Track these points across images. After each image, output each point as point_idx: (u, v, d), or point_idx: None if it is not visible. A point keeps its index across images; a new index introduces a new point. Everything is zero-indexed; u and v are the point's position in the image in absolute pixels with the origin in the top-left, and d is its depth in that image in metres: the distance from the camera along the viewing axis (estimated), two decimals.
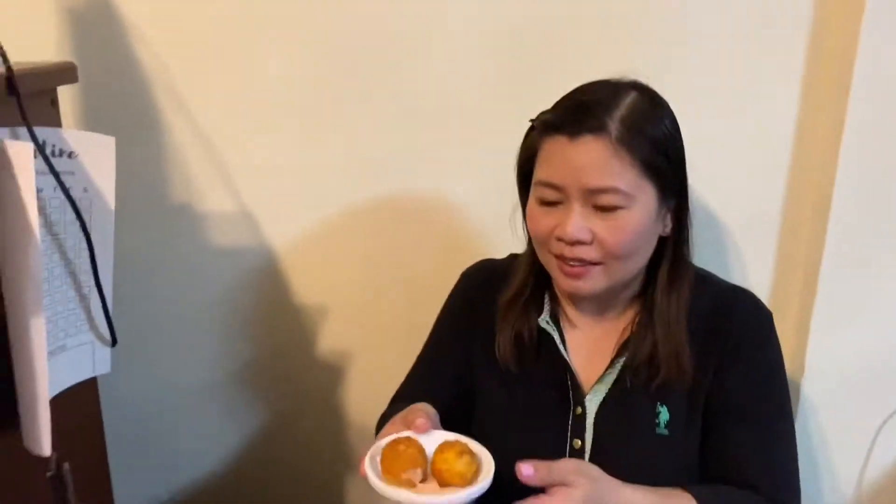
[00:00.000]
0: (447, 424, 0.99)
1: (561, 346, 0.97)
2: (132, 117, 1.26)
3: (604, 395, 0.95)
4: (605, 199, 0.85)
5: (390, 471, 0.76)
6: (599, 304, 0.97)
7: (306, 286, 1.37)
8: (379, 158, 1.28)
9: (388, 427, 0.87)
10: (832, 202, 1.17)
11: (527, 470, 0.79)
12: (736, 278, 1.01)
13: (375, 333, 1.38)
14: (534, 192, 0.91)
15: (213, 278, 1.37)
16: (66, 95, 1.05)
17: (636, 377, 0.94)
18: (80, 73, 0.98)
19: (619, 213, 0.86)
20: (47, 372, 0.80)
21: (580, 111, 0.87)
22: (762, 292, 1.28)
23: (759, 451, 0.92)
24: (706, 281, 0.99)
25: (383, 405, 1.11)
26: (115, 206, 0.91)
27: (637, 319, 0.95)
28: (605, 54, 1.17)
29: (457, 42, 1.20)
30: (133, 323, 1.36)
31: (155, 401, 1.43)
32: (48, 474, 0.74)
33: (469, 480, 0.76)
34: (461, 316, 1.07)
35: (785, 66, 1.17)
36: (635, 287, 0.97)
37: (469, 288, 1.08)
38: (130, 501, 1.13)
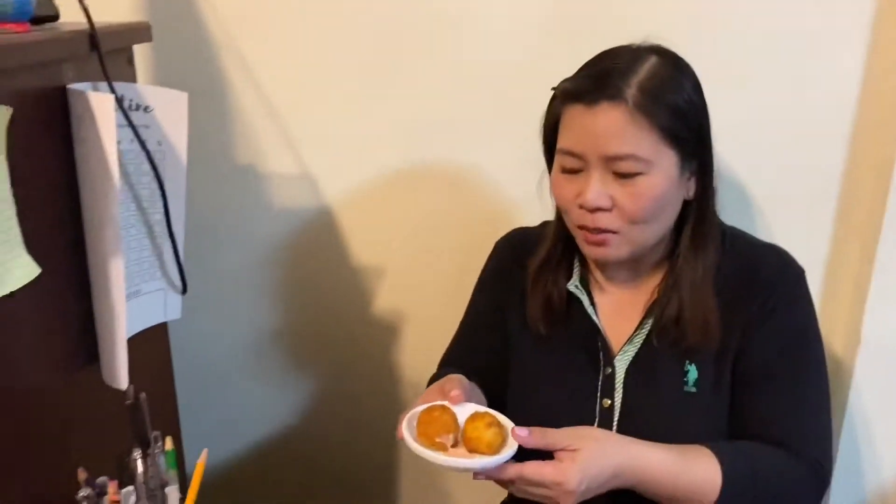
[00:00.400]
0: (487, 388, 1.03)
1: (590, 309, 0.98)
2: (199, 79, 1.31)
3: (633, 355, 0.96)
4: (624, 166, 0.86)
5: (425, 434, 0.83)
6: (627, 267, 0.98)
7: (361, 246, 1.41)
8: (434, 124, 1.30)
9: (425, 394, 0.91)
10: (895, 168, 1.15)
11: (521, 431, 0.83)
12: (790, 247, 1.00)
13: (428, 294, 1.41)
14: (556, 161, 0.92)
15: (272, 237, 1.41)
16: (139, 55, 1.09)
17: (664, 337, 0.94)
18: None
19: (639, 179, 0.86)
20: (125, 311, 0.85)
21: (598, 78, 0.87)
22: (817, 261, 1.27)
23: (787, 409, 0.92)
24: (737, 239, 0.98)
25: (435, 363, 1.14)
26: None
27: (664, 281, 0.96)
28: (659, 17, 1.17)
29: (513, 7, 1.21)
30: (198, 276, 1.42)
31: (217, 349, 1.49)
32: (127, 402, 0.79)
33: (495, 450, 0.82)
34: (495, 284, 1.09)
35: (850, 29, 1.15)
36: (662, 250, 0.96)
37: (502, 256, 1.10)
38: (195, 434, 1.18)
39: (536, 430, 0.83)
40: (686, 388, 0.94)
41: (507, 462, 0.81)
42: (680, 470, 0.87)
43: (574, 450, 0.82)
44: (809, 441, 0.92)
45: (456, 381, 0.91)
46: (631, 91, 0.84)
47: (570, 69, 0.94)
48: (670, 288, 0.94)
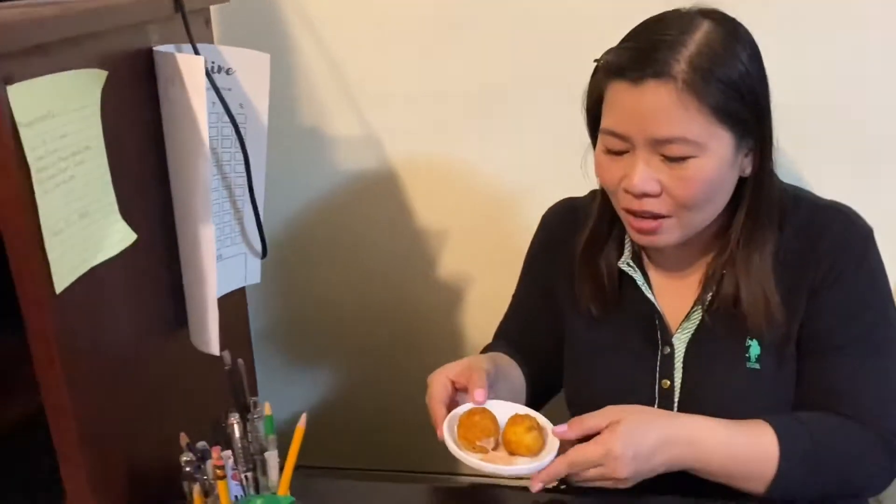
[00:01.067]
0: (539, 365, 1.02)
1: (645, 288, 0.93)
2: (263, 39, 1.29)
3: (692, 332, 0.92)
4: (674, 150, 0.79)
5: (466, 437, 0.83)
6: (681, 243, 0.90)
7: (425, 207, 1.39)
8: (499, 83, 1.28)
9: (446, 368, 0.89)
10: None
11: (560, 428, 0.82)
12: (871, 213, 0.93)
13: (493, 256, 1.39)
14: (600, 140, 0.86)
15: (336, 200, 1.41)
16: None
17: (722, 315, 0.89)
18: None
19: (690, 162, 0.80)
20: (216, 275, 0.85)
21: (644, 52, 0.79)
22: None
23: (856, 378, 0.86)
24: (800, 202, 0.91)
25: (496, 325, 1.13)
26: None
27: (718, 258, 0.90)
28: None
29: None
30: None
31: (283, 312, 1.50)
32: (226, 367, 0.80)
33: (535, 452, 0.82)
34: (542, 261, 1.05)
35: None
36: (717, 224, 0.90)
37: (548, 231, 1.05)
38: (273, 396, 1.20)
39: (573, 420, 0.82)
40: (748, 365, 0.89)
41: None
42: (734, 440, 0.83)
43: (616, 421, 0.81)
44: (881, 411, 0.87)
45: (481, 377, 0.86)
46: (680, 67, 0.77)
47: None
48: (725, 264, 0.89)
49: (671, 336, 0.93)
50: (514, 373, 0.99)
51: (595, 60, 0.86)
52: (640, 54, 0.79)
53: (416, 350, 1.50)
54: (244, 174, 0.94)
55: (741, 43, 0.82)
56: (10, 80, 0.62)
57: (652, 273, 0.96)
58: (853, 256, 0.88)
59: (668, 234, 0.85)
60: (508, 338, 1.07)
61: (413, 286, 1.45)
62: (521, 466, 0.80)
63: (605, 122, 0.84)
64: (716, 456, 0.83)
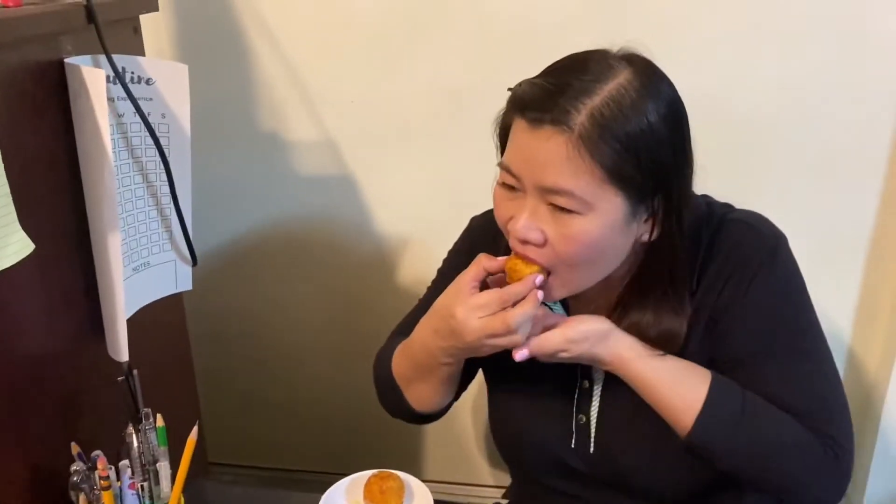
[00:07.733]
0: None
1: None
2: (220, 47, 1.30)
3: None
4: (560, 201, 0.77)
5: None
6: None
7: (386, 212, 1.39)
8: (460, 89, 1.27)
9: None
10: None
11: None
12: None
13: None
14: (500, 172, 0.83)
15: (295, 206, 1.41)
16: (152, 25, 1.08)
17: None
18: (165, 2, 1.01)
19: (575, 218, 0.77)
20: (123, 285, 0.86)
21: (550, 94, 0.76)
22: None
23: (785, 387, 0.83)
24: (711, 220, 0.87)
25: None
26: (199, 133, 0.94)
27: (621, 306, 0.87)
28: None
29: None
30: (218, 246, 1.44)
31: (237, 318, 1.52)
32: (119, 379, 0.80)
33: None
34: (462, 268, 0.98)
35: None
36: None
37: (473, 240, 1.02)
38: (216, 403, 1.20)
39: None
40: None
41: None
42: (669, 360, 0.83)
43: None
44: (816, 416, 0.82)
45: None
46: (580, 118, 0.74)
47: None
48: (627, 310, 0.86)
49: (591, 369, 0.90)
50: None
51: (509, 89, 0.81)
52: (546, 95, 0.76)
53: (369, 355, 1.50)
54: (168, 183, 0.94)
55: (656, 100, 0.77)
56: None
57: (573, 303, 0.92)
58: (759, 267, 0.84)
59: (555, 291, 0.83)
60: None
61: (376, 290, 1.45)
62: None
63: (504, 156, 0.81)
64: (651, 361, 0.82)
